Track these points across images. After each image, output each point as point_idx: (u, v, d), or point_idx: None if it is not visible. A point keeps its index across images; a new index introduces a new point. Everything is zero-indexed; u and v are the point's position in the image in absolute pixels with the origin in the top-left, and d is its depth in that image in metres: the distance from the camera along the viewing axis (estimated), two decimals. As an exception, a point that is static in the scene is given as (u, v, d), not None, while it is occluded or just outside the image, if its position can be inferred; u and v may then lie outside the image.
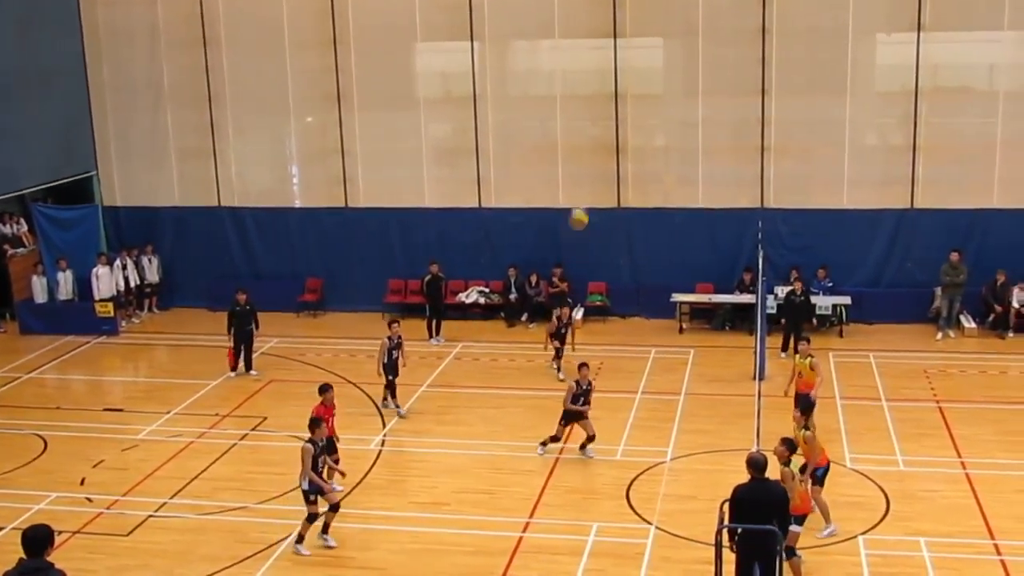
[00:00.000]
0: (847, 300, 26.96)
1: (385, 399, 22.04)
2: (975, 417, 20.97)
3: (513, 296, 28.42)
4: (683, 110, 28.07)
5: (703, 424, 20.98)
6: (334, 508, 16.43)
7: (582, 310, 28.13)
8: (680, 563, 15.68)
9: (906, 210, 27.37)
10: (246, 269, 30.05)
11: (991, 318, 26.54)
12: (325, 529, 16.44)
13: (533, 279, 28.36)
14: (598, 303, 28.57)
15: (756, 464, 13.29)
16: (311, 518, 16.22)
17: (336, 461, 17.50)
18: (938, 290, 26.67)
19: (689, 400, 22.38)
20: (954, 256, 26.21)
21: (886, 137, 28.02)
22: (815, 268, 27.15)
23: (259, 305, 25.05)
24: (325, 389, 18.44)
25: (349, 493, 18.04)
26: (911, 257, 27.43)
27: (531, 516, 17.32)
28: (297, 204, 30.21)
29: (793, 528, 14.61)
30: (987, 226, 26.92)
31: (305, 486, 16.14)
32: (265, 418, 21.79)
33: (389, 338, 21.68)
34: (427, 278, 27.22)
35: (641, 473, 18.66)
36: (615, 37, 27.63)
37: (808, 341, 20.33)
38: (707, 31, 27.30)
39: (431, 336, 26.80)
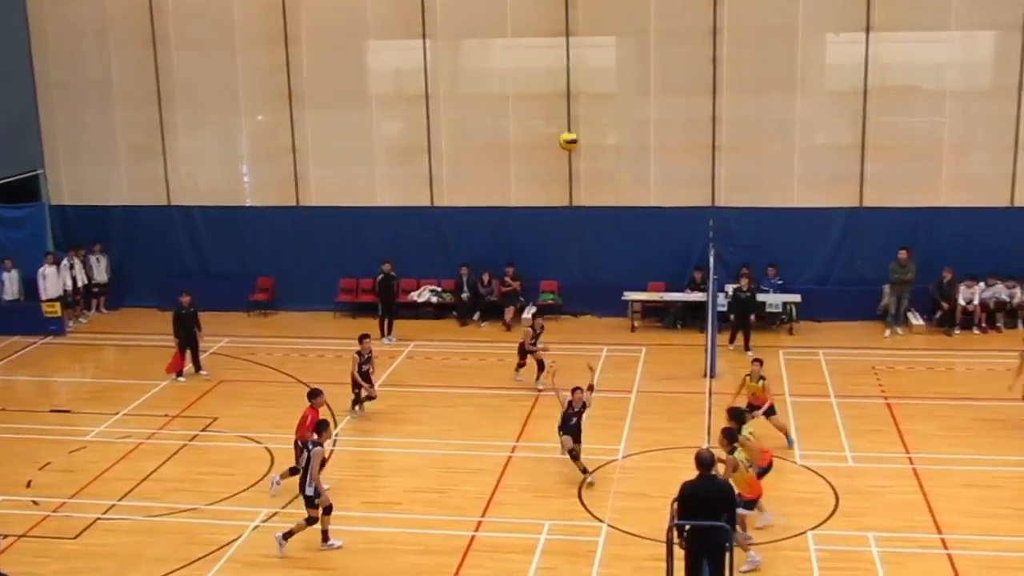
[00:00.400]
0: (797, 298, 27.16)
1: (361, 409, 21.82)
2: (922, 413, 21.20)
3: (465, 295, 28.41)
4: (635, 109, 28.16)
5: (655, 422, 21.06)
6: (327, 511, 16.34)
7: (534, 308, 28.16)
8: (632, 560, 15.73)
9: (855, 209, 27.62)
10: (196, 268, 29.85)
11: (938, 315, 26.85)
12: (325, 537, 16.33)
13: (485, 278, 28.35)
14: (550, 302, 28.60)
15: (703, 461, 13.42)
16: (311, 521, 16.18)
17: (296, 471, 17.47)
18: (886, 287, 26.95)
19: (641, 398, 22.46)
20: (902, 254, 26.50)
21: (836, 136, 28.24)
22: (765, 266, 27.36)
23: (209, 305, 24.90)
24: (316, 394, 18.41)
25: (299, 495, 17.95)
26: (860, 255, 27.69)
27: (483, 515, 17.31)
28: (248, 203, 29.99)
29: (741, 511, 14.86)
30: (934, 224, 27.21)
31: (310, 491, 16.07)
32: (216, 418, 21.65)
33: (359, 353, 21.53)
34: (379, 277, 27.13)
35: (593, 471, 18.69)
36: (567, 36, 27.67)
37: (761, 363, 20.06)
38: (659, 30, 27.41)
39: (383, 335, 26.73)
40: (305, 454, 16.31)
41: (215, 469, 19.19)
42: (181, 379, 23.99)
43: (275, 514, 17.33)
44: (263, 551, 16.17)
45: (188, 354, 24.22)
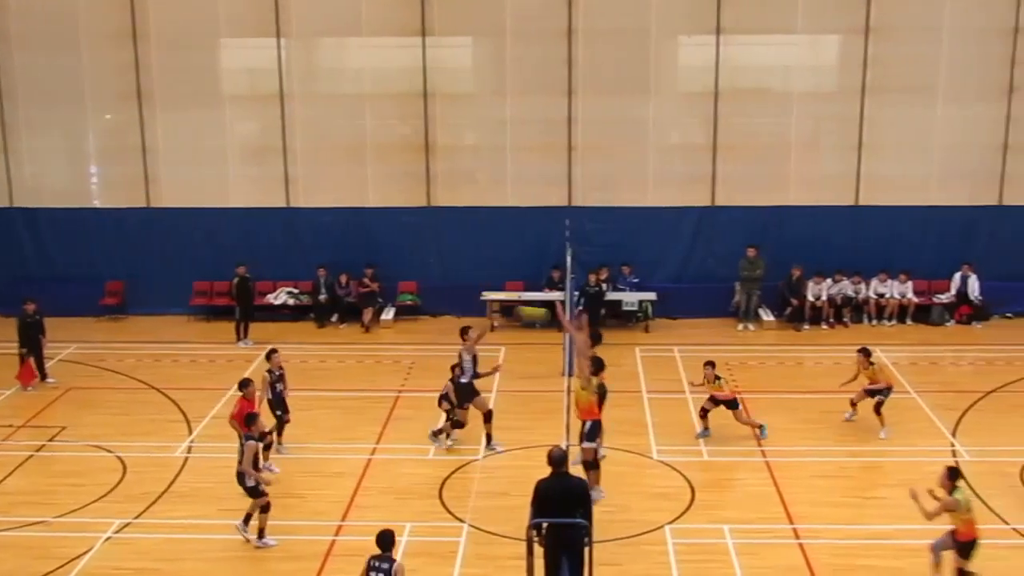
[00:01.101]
0: (652, 296, 27.60)
1: (280, 443, 19.76)
2: (773, 407, 21.71)
3: (323, 297, 28.13)
4: (492, 109, 28.27)
5: (514, 421, 21.13)
6: (265, 509, 16.25)
7: (393, 310, 28.05)
8: (493, 559, 15.77)
9: (707, 207, 28.18)
10: (41, 272, 28.84)
11: (788, 311, 27.57)
12: (247, 520, 16.38)
13: (343, 279, 28.12)
14: (409, 302, 28.52)
15: (556, 459, 13.55)
16: (266, 508, 16.27)
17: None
18: (737, 284, 27.57)
19: (500, 397, 22.52)
20: (751, 252, 27.15)
21: (688, 136, 28.80)
22: (621, 265, 27.72)
23: (56, 310, 24.15)
24: (246, 384, 18.11)
25: (154, 503, 17.59)
26: (713, 253, 28.27)
27: (344, 519, 17.17)
28: (96, 204, 29.18)
29: (585, 445, 16.93)
30: (783, 222, 27.96)
31: (251, 483, 16.10)
32: (64, 427, 20.98)
33: (270, 371, 19.65)
34: (235, 280, 26.67)
35: (454, 471, 18.70)
36: (424, 36, 27.63)
37: (713, 365, 20.22)
38: (515, 31, 27.56)
39: (239, 338, 26.30)
40: (239, 447, 16.35)
41: (64, 480, 18.60)
42: (30, 388, 23.17)
43: (127, 525, 16.90)
44: (115, 563, 15.77)
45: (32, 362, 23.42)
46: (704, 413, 20.26)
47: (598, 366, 17.98)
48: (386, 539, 13.00)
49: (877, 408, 20.23)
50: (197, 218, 28.58)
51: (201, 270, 28.63)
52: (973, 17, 27.18)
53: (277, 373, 19.75)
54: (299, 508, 17.52)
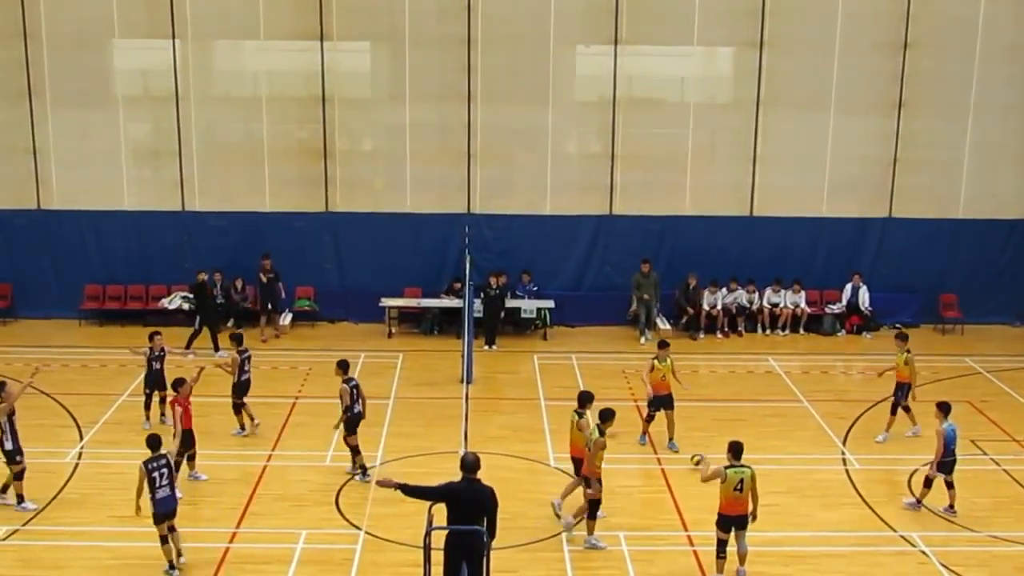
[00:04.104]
0: (550, 304, 27.73)
1: (247, 426, 20.66)
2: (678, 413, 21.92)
3: (218, 301, 27.72)
4: (390, 115, 28.21)
5: (412, 427, 21.10)
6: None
7: (290, 316, 27.80)
8: (388, 567, 15.71)
9: (605, 216, 28.42)
10: (-77, 275, 28.08)
11: (684, 320, 27.89)
12: (4, 489, 17.21)
13: (239, 284, 27.76)
14: (306, 308, 28.29)
15: (468, 464, 13.49)
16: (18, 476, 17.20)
17: (193, 456, 18.36)
18: (633, 297, 27.82)
19: (398, 404, 22.46)
20: (644, 266, 27.33)
21: (586, 145, 29.06)
22: (520, 272, 27.82)
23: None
24: (180, 383, 18.12)
25: (42, 510, 17.20)
26: (610, 262, 28.52)
27: (238, 526, 16.96)
28: (-18, 205, 28.46)
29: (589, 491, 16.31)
30: (679, 232, 28.31)
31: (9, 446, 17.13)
32: (-54, 434, 20.34)
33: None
34: (195, 285, 26.24)
35: (350, 479, 18.57)
36: (322, 39, 27.45)
37: (667, 345, 20.58)
38: (413, 37, 27.52)
39: (204, 347, 25.65)
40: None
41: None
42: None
43: (15, 532, 16.50)
44: (1, 571, 15.37)
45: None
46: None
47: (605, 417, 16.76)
48: (153, 442, 15.54)
49: (894, 407, 20.77)
50: (89, 220, 28.02)
51: (92, 273, 28.09)
52: (864, 33, 27.84)
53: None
54: (191, 516, 17.22)
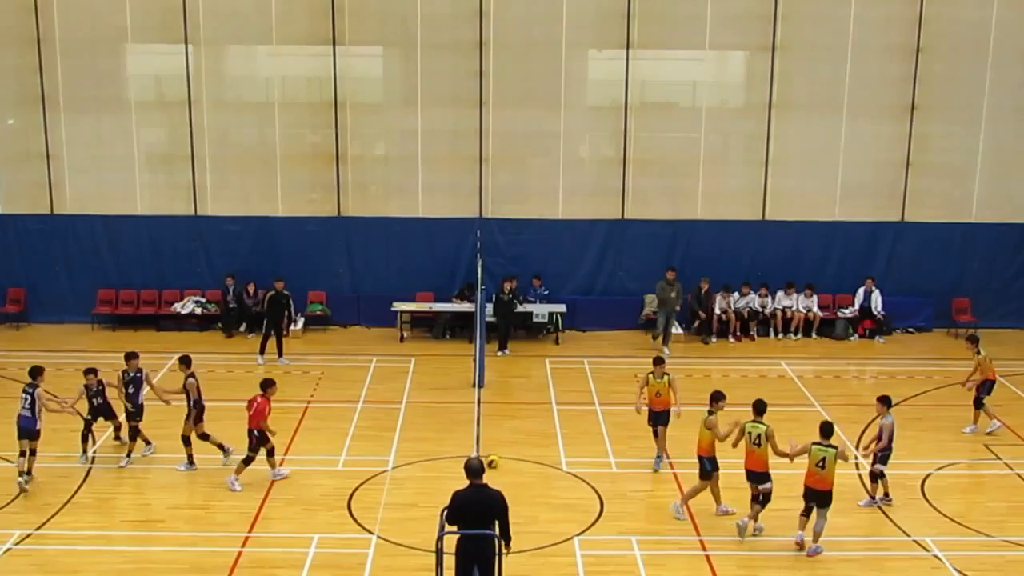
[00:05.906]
0: (562, 308, 27.73)
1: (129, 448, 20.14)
2: (682, 419, 21.76)
3: (231, 306, 27.80)
4: (402, 119, 28.23)
5: (424, 432, 21.09)
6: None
7: (303, 319, 27.84)
8: (401, 571, 15.70)
9: (617, 221, 28.41)
10: (-61, 279, 28.20)
11: (696, 324, 27.85)
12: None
13: (251, 288, 27.82)
14: (319, 312, 28.32)
15: (472, 470, 13.51)
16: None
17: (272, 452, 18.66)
18: (649, 299, 27.76)
19: (410, 408, 22.47)
20: (670, 274, 27.10)
21: (598, 150, 29.04)
22: (531, 277, 27.82)
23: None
24: (270, 383, 18.72)
25: (56, 514, 17.23)
26: (622, 266, 28.50)
27: (250, 530, 16.96)
28: (-2, 210, 28.59)
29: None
30: (691, 236, 28.28)
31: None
32: (-38, 438, 20.44)
33: (125, 372, 19.88)
34: (270, 294, 25.70)
35: (363, 483, 18.58)
36: (334, 44, 27.50)
37: (663, 361, 20.09)
38: (425, 42, 27.54)
39: (271, 354, 25.57)
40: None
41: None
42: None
43: (28, 536, 16.54)
44: (15, 575, 15.44)
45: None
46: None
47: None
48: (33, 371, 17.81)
49: (977, 402, 21.45)
50: (102, 225, 28.12)
51: (106, 278, 28.17)
52: (877, 37, 27.79)
53: (131, 375, 19.75)
54: (204, 520, 17.29)
